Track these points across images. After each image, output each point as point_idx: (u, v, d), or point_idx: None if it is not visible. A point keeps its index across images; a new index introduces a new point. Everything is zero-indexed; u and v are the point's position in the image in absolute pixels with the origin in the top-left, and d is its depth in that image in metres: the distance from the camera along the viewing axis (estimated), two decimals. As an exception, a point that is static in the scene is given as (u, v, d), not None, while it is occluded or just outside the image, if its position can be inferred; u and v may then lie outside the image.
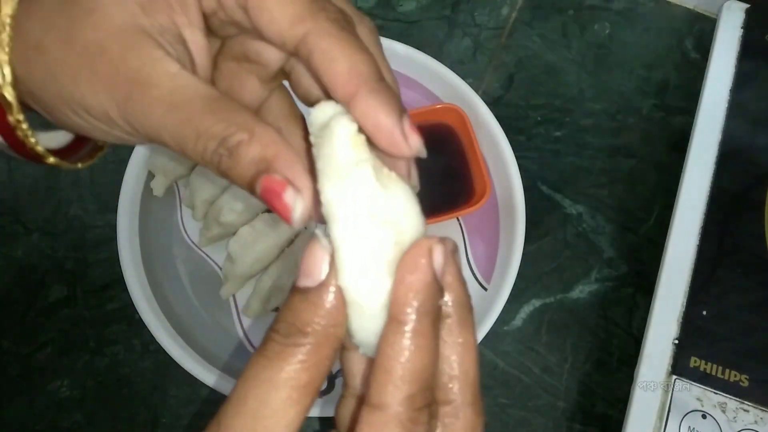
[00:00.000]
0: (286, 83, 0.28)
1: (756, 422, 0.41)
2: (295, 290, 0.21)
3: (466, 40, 0.61)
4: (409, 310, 0.20)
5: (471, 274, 0.53)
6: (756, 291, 0.45)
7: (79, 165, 0.29)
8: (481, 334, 0.48)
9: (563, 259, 0.55)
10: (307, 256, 0.21)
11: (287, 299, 0.21)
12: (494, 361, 0.52)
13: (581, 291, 0.54)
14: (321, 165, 0.22)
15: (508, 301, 0.49)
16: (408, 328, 0.20)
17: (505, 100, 0.59)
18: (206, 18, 0.24)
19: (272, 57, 0.26)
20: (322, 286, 0.20)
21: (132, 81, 0.22)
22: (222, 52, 0.27)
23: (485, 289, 0.52)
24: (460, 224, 0.55)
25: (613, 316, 0.53)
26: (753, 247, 0.46)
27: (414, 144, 0.22)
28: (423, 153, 0.23)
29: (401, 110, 0.23)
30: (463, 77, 0.55)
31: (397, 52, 0.55)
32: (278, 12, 0.22)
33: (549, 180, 0.57)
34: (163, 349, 0.47)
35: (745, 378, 0.42)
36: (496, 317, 0.48)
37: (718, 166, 0.49)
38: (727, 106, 0.51)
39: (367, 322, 0.21)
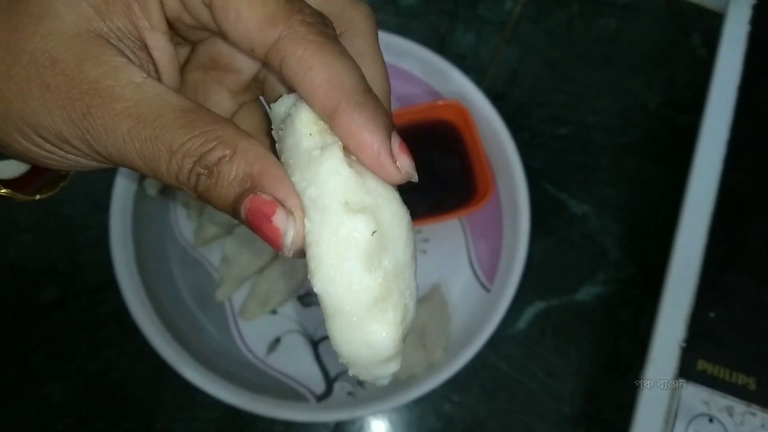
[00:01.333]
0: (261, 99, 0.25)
1: (763, 426, 0.41)
2: None
3: (468, 35, 0.60)
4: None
5: (473, 275, 0.52)
6: (764, 293, 0.44)
7: (37, 197, 0.25)
8: (484, 337, 0.47)
9: (568, 261, 0.54)
10: None
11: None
12: (498, 365, 0.51)
13: (587, 293, 0.53)
14: (285, 158, 0.20)
15: (512, 304, 0.48)
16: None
17: (508, 97, 0.58)
18: (171, 22, 0.21)
19: (246, 61, 0.23)
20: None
21: (90, 94, 0.19)
22: (188, 60, 0.24)
23: (488, 291, 0.51)
24: (462, 224, 0.54)
25: (619, 318, 0.52)
26: (762, 248, 0.46)
27: (404, 166, 0.20)
28: (414, 177, 0.20)
29: (390, 127, 0.20)
30: (466, 73, 0.54)
31: (398, 46, 0.54)
32: (247, 12, 0.19)
33: (554, 179, 0.56)
34: (157, 353, 0.46)
35: (753, 381, 0.42)
36: (500, 320, 0.48)
37: (726, 164, 0.48)
38: (735, 103, 0.50)
39: (353, 330, 0.19)
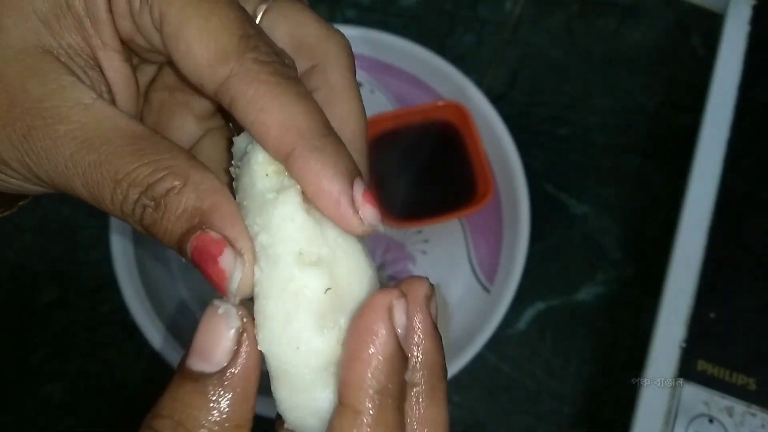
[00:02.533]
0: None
1: (763, 426, 0.41)
2: (184, 373, 0.16)
3: (468, 35, 0.60)
4: (367, 397, 0.15)
5: (473, 275, 0.52)
6: (765, 292, 0.44)
7: None
8: (484, 338, 0.47)
9: (568, 261, 0.54)
10: (204, 330, 0.16)
11: (172, 383, 0.16)
12: (498, 366, 0.51)
13: (587, 293, 0.53)
14: (240, 198, 0.18)
15: (512, 304, 0.48)
16: (368, 419, 0.15)
17: (508, 97, 0.58)
18: (125, 42, 0.20)
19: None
20: (224, 374, 0.16)
21: (32, 114, 0.17)
22: (154, 79, 0.22)
23: (488, 292, 0.51)
24: (462, 224, 0.54)
25: (619, 318, 0.52)
26: (762, 248, 0.45)
27: (368, 217, 0.18)
28: (380, 228, 0.18)
29: (352, 173, 0.18)
30: (466, 73, 0.54)
31: (398, 47, 0.54)
32: (197, 46, 0.18)
33: (554, 179, 0.56)
34: (157, 353, 0.46)
35: (753, 381, 0.42)
36: (500, 320, 0.48)
37: (727, 164, 0.48)
38: (735, 103, 0.50)
39: (300, 395, 0.17)
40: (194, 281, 0.52)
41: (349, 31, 0.55)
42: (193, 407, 0.16)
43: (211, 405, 0.16)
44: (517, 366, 0.51)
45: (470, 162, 0.53)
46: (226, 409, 0.16)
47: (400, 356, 0.16)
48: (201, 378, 0.16)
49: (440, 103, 0.53)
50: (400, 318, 0.16)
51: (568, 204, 0.55)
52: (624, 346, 0.52)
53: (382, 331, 0.16)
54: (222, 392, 0.16)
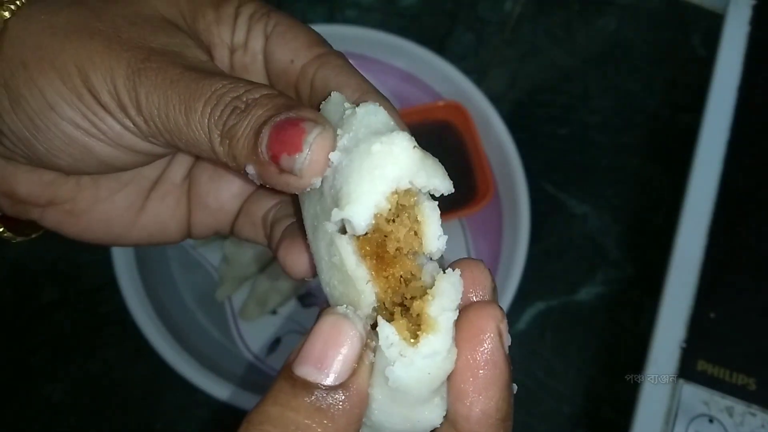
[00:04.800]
0: None
1: (763, 426, 0.41)
2: (296, 382, 0.14)
3: (468, 35, 0.60)
4: (493, 429, 0.15)
5: (473, 275, 0.52)
6: (765, 292, 0.44)
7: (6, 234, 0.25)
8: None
9: (568, 261, 0.54)
10: (323, 334, 0.15)
11: (279, 389, 0.15)
12: (497, 365, 0.51)
13: (587, 293, 0.53)
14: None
15: (512, 304, 0.48)
16: None
17: (508, 97, 0.58)
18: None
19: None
20: (347, 389, 0.14)
21: (156, 51, 0.20)
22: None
23: (488, 291, 0.51)
24: (462, 224, 0.54)
25: (619, 318, 0.52)
26: (762, 247, 0.45)
27: None
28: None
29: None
30: (466, 73, 0.54)
31: (399, 47, 0.54)
32: (303, 34, 0.23)
33: (554, 179, 0.56)
34: (157, 353, 0.46)
35: (753, 382, 0.42)
36: (500, 320, 0.48)
37: (727, 164, 0.48)
38: (735, 103, 0.50)
39: (406, 408, 0.15)
40: (193, 281, 0.52)
41: (349, 31, 0.55)
42: (310, 423, 0.14)
43: (328, 423, 0.14)
44: (517, 365, 0.51)
45: (470, 162, 0.53)
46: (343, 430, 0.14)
47: (512, 377, 0.16)
48: (317, 390, 0.14)
49: (440, 103, 0.53)
50: (507, 340, 0.16)
51: (568, 204, 0.55)
52: (624, 346, 0.52)
53: (501, 363, 0.15)
54: (342, 411, 0.14)
